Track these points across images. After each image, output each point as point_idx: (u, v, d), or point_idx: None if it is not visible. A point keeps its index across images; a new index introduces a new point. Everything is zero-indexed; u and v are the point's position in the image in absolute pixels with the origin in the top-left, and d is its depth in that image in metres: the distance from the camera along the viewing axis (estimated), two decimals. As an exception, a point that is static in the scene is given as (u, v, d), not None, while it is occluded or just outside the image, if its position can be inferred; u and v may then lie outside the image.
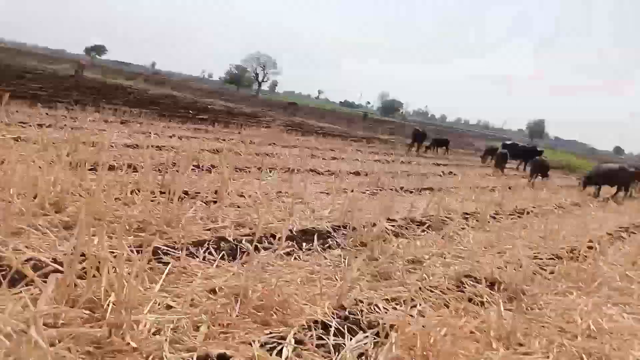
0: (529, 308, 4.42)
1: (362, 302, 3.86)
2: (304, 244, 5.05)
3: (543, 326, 4.00)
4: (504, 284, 4.83)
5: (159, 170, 6.98)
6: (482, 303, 4.33)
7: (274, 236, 5.01)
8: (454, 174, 15.71)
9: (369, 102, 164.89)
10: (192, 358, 2.71)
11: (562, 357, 3.42)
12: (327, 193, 8.28)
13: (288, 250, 4.73)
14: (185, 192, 6.13)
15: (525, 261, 5.50)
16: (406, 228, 6.56)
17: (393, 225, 6.45)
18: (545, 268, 5.74)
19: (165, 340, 2.78)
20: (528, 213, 9.57)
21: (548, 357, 3.42)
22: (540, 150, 24.98)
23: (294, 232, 5.40)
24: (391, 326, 3.36)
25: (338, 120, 49.17)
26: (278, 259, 4.40)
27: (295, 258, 4.61)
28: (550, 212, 10.57)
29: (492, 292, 4.59)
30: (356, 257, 4.41)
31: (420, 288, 4.38)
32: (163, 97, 29.70)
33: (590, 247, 7.02)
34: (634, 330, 4.13)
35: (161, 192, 5.60)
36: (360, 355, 3.11)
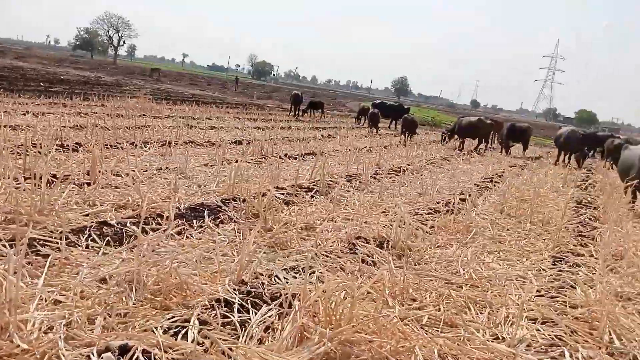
0: (416, 263, 4.78)
1: (262, 274, 3.89)
2: (195, 221, 4.94)
3: (431, 280, 4.36)
4: (391, 242, 5.16)
5: (18, 153, 6.28)
6: (375, 263, 4.60)
7: (161, 216, 4.81)
8: (333, 137, 16.17)
9: (238, 65, 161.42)
10: (92, 353, 2.55)
11: (452, 308, 3.77)
12: (211, 165, 8.10)
13: (178, 229, 4.58)
14: (53, 176, 5.62)
15: (407, 218, 5.89)
16: (295, 195, 6.67)
17: (282, 194, 6.51)
18: (425, 223, 6.22)
19: (60, 337, 2.58)
20: (404, 171, 10.20)
21: (439, 309, 3.74)
22: (407, 108, 26.61)
23: (182, 210, 5.23)
24: (293, 295, 3.42)
25: (209, 86, 47.72)
26: (169, 240, 4.24)
27: (187, 237, 4.49)
28: (423, 168, 11.39)
29: (382, 251, 4.88)
30: (250, 230, 4.39)
31: (316, 254, 4.52)
32: (6, 69, 26.41)
33: (462, 200, 7.74)
34: (510, 276, 4.68)
35: (25, 178, 5.06)
36: (267, 328, 3.15)
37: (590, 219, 7.93)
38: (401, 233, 5.17)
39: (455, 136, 18.67)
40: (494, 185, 10.21)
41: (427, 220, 6.42)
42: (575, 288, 4.50)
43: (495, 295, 4.17)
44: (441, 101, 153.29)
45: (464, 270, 4.66)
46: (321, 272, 4.07)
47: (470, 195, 7.71)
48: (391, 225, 5.60)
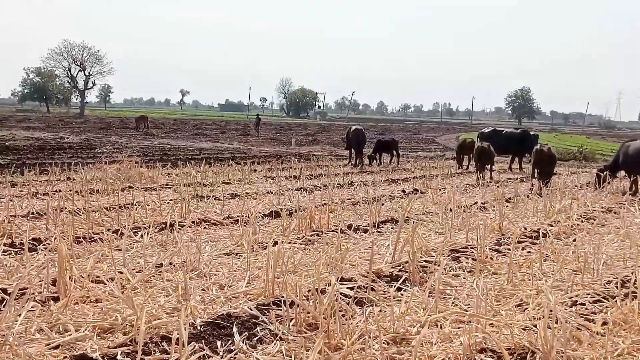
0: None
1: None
2: (220, 343, 4.95)
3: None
4: (539, 353, 4.96)
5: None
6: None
7: (167, 339, 4.85)
8: (421, 192, 16.11)
9: (264, 99, 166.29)
10: None
11: None
12: (237, 254, 8.19)
13: (195, 357, 4.58)
14: (3, 291, 5.81)
15: (560, 312, 5.67)
16: (372, 289, 6.60)
17: (351, 288, 6.46)
18: (592, 318, 5.96)
19: None
20: (545, 236, 9.94)
21: None
22: (536, 135, 26.29)
23: (199, 327, 5.26)
24: None
25: (224, 135, 49.35)
26: (182, 376, 4.23)
27: (210, 369, 4.48)
28: (575, 228, 11.07)
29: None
30: (307, 350, 4.34)
31: (417, 382, 4.39)
32: None
33: None
34: None
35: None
36: None
37: None
38: (554, 338, 4.96)
39: (622, 172, 18.13)
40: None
41: (594, 313, 6.16)
42: None
43: None
44: (591, 120, 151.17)
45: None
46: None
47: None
48: (535, 327, 5.41)
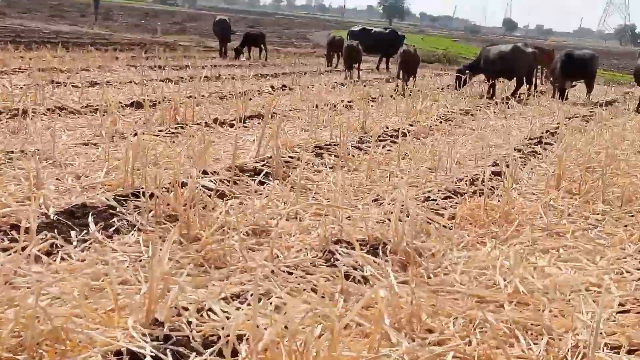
0: (431, 275, 4.82)
1: (187, 309, 3.86)
2: (74, 233, 4.87)
3: (455, 299, 4.39)
4: (390, 244, 5.19)
5: None
6: (366, 278, 4.62)
7: (16, 227, 4.70)
8: (290, 88, 16.14)
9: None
10: None
11: (489, 339, 3.81)
12: (95, 144, 8.01)
13: (47, 246, 4.51)
14: None
15: (413, 207, 5.93)
16: (235, 182, 6.64)
17: (214, 181, 6.47)
18: (442, 213, 6.28)
19: None
20: (405, 135, 10.25)
21: (469, 342, 3.79)
22: (403, 36, 26.75)
23: (52, 216, 5.14)
24: (239, 337, 3.42)
25: (83, 18, 46.96)
26: (33, 264, 4.16)
27: (63, 258, 4.43)
28: (434, 129, 11.49)
29: (376, 259, 4.91)
30: (164, 241, 4.35)
31: (272, 271, 4.51)
32: None
33: (496, 174, 7.85)
34: (577, 285, 4.76)
35: None
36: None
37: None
38: (405, 230, 5.20)
39: (480, 76, 18.84)
40: (545, 149, 10.38)
41: (445, 208, 6.49)
42: (678, 295, 4.61)
43: (556, 316, 4.24)
44: (457, 24, 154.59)
45: (505, 280, 4.71)
46: (281, 299, 4.06)
47: (508, 165, 7.81)
48: (389, 220, 5.63)
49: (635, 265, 5.34)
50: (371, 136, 9.61)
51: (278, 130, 7.94)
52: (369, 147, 8.55)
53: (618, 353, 3.80)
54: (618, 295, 4.62)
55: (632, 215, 6.72)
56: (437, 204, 6.67)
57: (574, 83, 18.77)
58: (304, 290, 4.29)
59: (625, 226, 6.45)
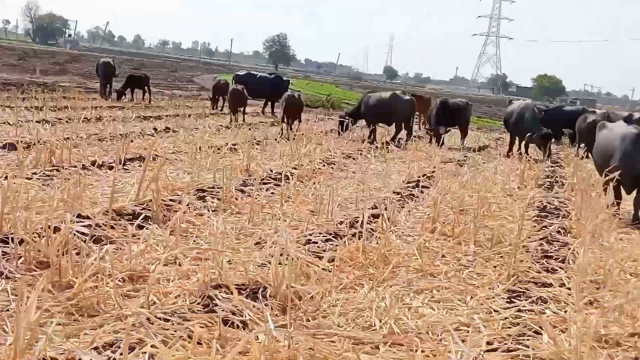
0: (310, 318, 4.85)
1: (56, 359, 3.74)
2: None
3: (332, 341, 4.44)
4: (270, 288, 5.19)
5: None
6: (245, 323, 4.60)
7: None
8: (174, 131, 15.98)
9: (7, 21, 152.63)
10: None
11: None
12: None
13: None
14: None
15: (293, 250, 5.96)
16: (112, 227, 6.49)
17: (88, 226, 6.28)
18: (321, 255, 6.33)
19: None
20: (288, 178, 10.29)
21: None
22: (287, 81, 27.10)
23: None
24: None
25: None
26: None
27: None
28: (317, 172, 11.60)
29: (255, 303, 4.90)
30: (32, 289, 4.18)
31: (148, 319, 4.41)
32: None
33: (375, 216, 8.00)
34: (448, 325, 4.88)
35: None
36: None
37: (559, 231, 8.55)
38: (284, 273, 5.21)
39: (362, 121, 19.27)
40: (422, 192, 10.68)
41: (325, 250, 6.55)
42: (542, 334, 4.81)
43: (428, 356, 4.35)
44: (341, 70, 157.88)
45: (381, 322, 4.80)
46: (154, 347, 3.97)
47: (387, 208, 7.98)
48: (269, 263, 5.64)
49: (502, 305, 5.56)
50: (255, 179, 9.63)
51: (159, 173, 7.83)
52: (253, 189, 8.57)
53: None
54: (486, 334, 4.79)
55: (501, 256, 6.99)
56: (318, 247, 6.73)
57: (449, 129, 19.45)
58: (180, 337, 4.21)
59: (495, 266, 6.72)
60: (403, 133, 18.95)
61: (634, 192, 9.98)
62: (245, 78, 25.86)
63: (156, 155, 11.20)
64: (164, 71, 56.79)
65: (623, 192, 10.12)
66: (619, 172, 9.48)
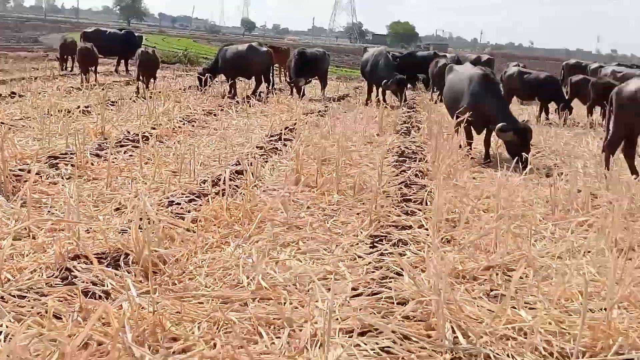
0: (175, 282, 4.78)
1: None
2: None
3: (200, 302, 4.40)
4: (132, 255, 5.07)
5: None
6: (107, 293, 4.47)
7: None
8: (19, 95, 15.07)
9: None
10: None
11: (234, 339, 3.83)
12: None
13: None
14: None
15: (154, 213, 5.81)
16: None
17: None
18: (185, 216, 6.22)
19: None
20: (147, 138, 10.04)
21: (214, 345, 3.80)
22: (139, 37, 26.20)
23: None
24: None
25: None
26: None
27: None
28: (177, 131, 11.37)
29: (117, 271, 4.77)
30: None
31: (2, 297, 4.21)
32: None
33: (239, 172, 7.96)
34: (315, 275, 4.91)
35: None
36: None
37: (416, 175, 8.83)
38: (146, 238, 5.08)
39: (221, 76, 19.01)
40: (285, 145, 10.70)
41: (189, 211, 6.45)
42: (403, 275, 4.96)
43: (297, 307, 4.38)
44: (198, 24, 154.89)
45: (248, 278, 4.79)
46: (8, 326, 3.79)
47: (251, 164, 7.95)
48: (129, 229, 5.49)
49: (366, 250, 5.70)
50: (111, 142, 9.31)
51: (3, 142, 7.37)
52: (109, 153, 8.27)
53: (352, 336, 3.99)
54: (351, 281, 4.89)
55: (363, 203, 7.14)
56: (181, 208, 6.61)
57: (309, 80, 19.52)
58: (38, 314, 4.02)
59: (358, 214, 6.85)
60: (264, 86, 18.88)
61: (484, 132, 10.43)
62: (94, 35, 24.74)
63: (2, 122, 10.59)
64: (7, 32, 53.59)
65: (474, 132, 10.54)
66: (469, 113, 9.85)
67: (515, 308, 4.48)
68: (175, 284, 4.74)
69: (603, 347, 4.03)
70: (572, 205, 7.24)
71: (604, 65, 24.80)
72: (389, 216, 6.75)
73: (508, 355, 3.94)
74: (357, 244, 5.89)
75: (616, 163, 9.29)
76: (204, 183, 7.64)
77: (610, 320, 4.16)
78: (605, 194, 7.74)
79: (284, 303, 4.45)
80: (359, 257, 5.52)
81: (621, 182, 7.86)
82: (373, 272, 5.14)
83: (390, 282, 4.89)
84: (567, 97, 17.61)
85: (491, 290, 4.95)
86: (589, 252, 5.83)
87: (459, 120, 9.98)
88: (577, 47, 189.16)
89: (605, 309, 4.31)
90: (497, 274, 5.22)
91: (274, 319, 4.19)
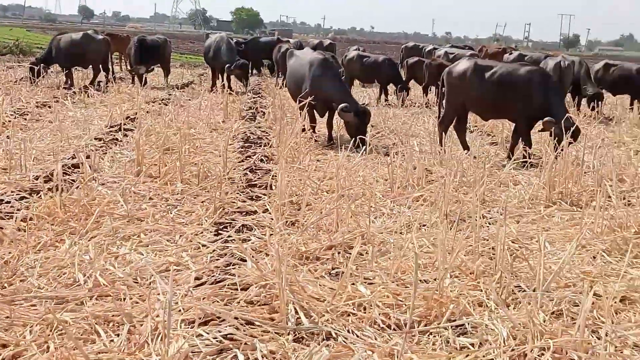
0: (4, 285, 4.52)
1: None
2: None
3: (33, 305, 4.20)
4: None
5: None
6: None
7: None
8: None
9: None
10: None
11: (68, 340, 3.67)
12: None
13: None
14: None
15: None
16: None
17: None
18: (11, 216, 5.89)
19: None
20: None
21: (48, 348, 3.65)
22: None
23: None
24: None
25: None
26: None
27: None
28: (6, 125, 10.75)
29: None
30: None
31: None
32: None
33: (76, 166, 7.67)
34: (158, 268, 4.83)
35: None
36: None
37: (261, 160, 8.84)
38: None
39: (57, 66, 18.27)
40: (126, 135, 10.41)
41: (19, 209, 6.10)
42: (246, 261, 4.94)
43: (137, 302, 4.27)
44: (31, 12, 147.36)
45: (85, 276, 4.62)
46: None
47: (88, 156, 7.67)
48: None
49: (210, 239, 5.64)
50: None
51: None
52: None
53: (193, 327, 3.93)
54: (194, 270, 4.82)
55: (208, 191, 7.06)
56: (12, 207, 6.24)
57: (151, 68, 19.06)
58: None
59: (202, 202, 6.77)
60: (103, 75, 18.23)
61: (327, 115, 10.61)
62: None
63: None
64: None
65: (317, 116, 10.69)
66: (311, 97, 9.98)
67: (355, 284, 4.59)
68: (5, 287, 4.48)
69: (437, 315, 4.21)
70: (409, 182, 7.53)
71: (437, 47, 25.92)
72: (234, 202, 6.72)
73: (349, 331, 4.03)
74: (202, 232, 5.82)
75: (450, 140, 9.73)
76: (37, 179, 7.26)
77: (443, 289, 4.36)
78: (438, 169, 8.11)
79: (124, 299, 4.32)
80: (203, 245, 5.45)
81: (453, 158, 8.27)
82: (217, 260, 5.10)
83: (234, 268, 4.86)
84: (404, 79, 18.28)
85: (333, 269, 5.05)
86: (424, 225, 6.08)
87: (301, 104, 10.09)
88: (415, 31, 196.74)
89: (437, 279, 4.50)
90: (339, 253, 5.35)
91: (112, 316, 4.06)
